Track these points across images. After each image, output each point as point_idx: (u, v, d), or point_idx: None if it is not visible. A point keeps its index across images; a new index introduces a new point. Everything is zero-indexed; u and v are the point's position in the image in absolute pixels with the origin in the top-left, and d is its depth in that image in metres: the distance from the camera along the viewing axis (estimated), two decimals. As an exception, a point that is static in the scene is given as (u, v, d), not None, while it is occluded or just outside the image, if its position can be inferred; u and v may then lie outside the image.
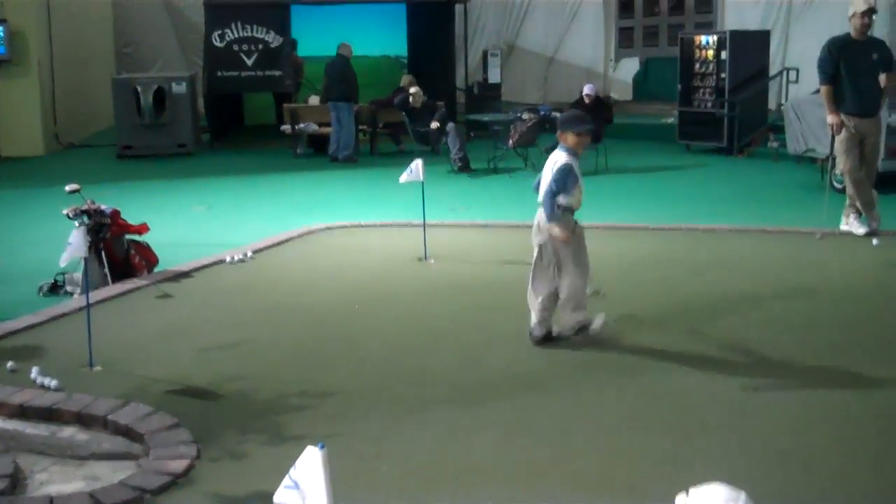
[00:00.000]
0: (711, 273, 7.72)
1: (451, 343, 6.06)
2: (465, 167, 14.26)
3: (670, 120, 17.85)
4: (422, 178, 8.05)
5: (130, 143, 16.23)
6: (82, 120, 18.24)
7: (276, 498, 2.67)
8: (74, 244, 5.56)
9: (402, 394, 5.20)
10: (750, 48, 16.28)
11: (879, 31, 11.73)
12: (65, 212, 7.36)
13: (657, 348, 5.90)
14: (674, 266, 7.98)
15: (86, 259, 5.87)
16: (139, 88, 16.17)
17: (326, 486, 2.63)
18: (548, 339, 5.99)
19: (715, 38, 16.32)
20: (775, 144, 15.21)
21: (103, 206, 7.52)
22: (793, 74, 16.78)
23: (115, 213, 7.62)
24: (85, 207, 7.37)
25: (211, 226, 10.58)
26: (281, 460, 3.30)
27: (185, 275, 7.75)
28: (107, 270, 7.41)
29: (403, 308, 6.88)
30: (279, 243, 8.95)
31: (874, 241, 8.61)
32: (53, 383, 5.18)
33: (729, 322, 6.35)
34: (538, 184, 6.04)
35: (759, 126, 16.26)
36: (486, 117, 16.30)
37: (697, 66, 16.39)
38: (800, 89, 15.87)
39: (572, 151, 5.94)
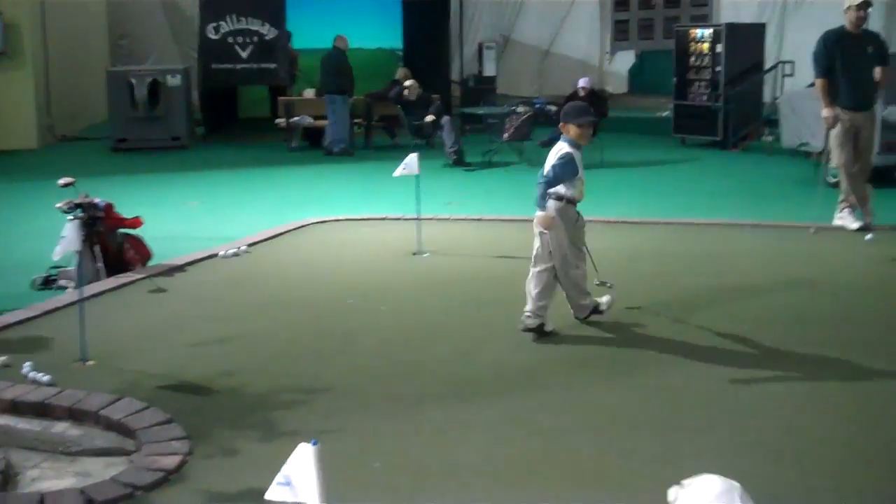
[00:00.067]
0: (705, 267, 7.72)
1: (444, 338, 6.05)
2: (459, 161, 14.24)
3: (665, 113, 17.86)
4: (417, 171, 8.04)
5: (125, 136, 16.20)
6: (76, 112, 18.20)
7: (268, 495, 2.67)
8: (68, 238, 5.54)
9: (395, 389, 5.19)
10: (745, 41, 16.28)
11: (874, 24, 11.74)
12: (58, 205, 7.34)
13: (650, 343, 5.90)
14: (668, 260, 7.98)
15: (79, 253, 5.85)
16: (133, 81, 16.14)
17: (319, 483, 2.63)
18: (539, 333, 5.99)
19: (710, 31, 16.31)
20: (770, 138, 15.21)
21: (97, 200, 7.49)
22: (788, 68, 16.78)
23: (109, 207, 7.60)
24: (78, 201, 7.34)
25: (205, 219, 10.57)
26: (274, 457, 3.28)
27: (178, 269, 7.73)
28: (101, 264, 7.40)
29: (397, 302, 6.87)
30: (273, 237, 8.94)
31: (868, 236, 8.61)
32: (46, 378, 5.16)
33: (722, 317, 6.35)
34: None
35: (754, 120, 16.27)
36: (480, 110, 16.29)
37: (693, 59, 16.39)
38: (795, 83, 15.87)
39: (574, 143, 6.00)
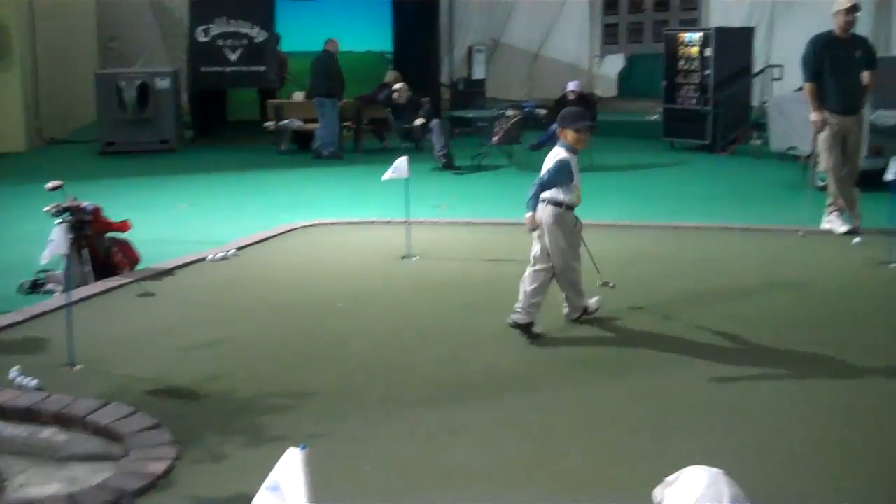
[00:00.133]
0: (694, 271, 7.73)
1: (434, 341, 6.04)
2: (449, 164, 14.23)
3: (655, 117, 17.88)
4: (406, 175, 8.04)
5: (113, 139, 16.14)
6: (65, 115, 18.13)
7: (256, 500, 2.65)
8: (55, 241, 5.51)
9: (384, 393, 5.18)
10: (734, 45, 16.31)
11: (863, 28, 11.77)
12: (46, 209, 7.31)
13: (641, 345, 5.92)
14: (657, 263, 7.99)
15: (67, 257, 5.82)
16: (122, 84, 16.08)
17: (308, 487, 2.61)
18: (526, 331, 6.00)
19: (699, 35, 16.34)
20: (758, 142, 15.24)
21: (85, 203, 7.46)
22: (777, 71, 16.82)
23: (97, 211, 7.57)
24: (66, 204, 7.31)
25: (194, 223, 10.54)
26: (262, 461, 3.27)
27: (167, 273, 7.71)
28: (88, 268, 7.36)
29: (386, 306, 6.86)
30: (262, 240, 8.92)
31: (856, 240, 8.64)
32: (33, 383, 5.14)
33: (712, 319, 6.35)
34: None
35: (742, 123, 16.30)
36: (470, 114, 16.29)
37: (682, 63, 16.41)
38: (783, 86, 15.90)
39: (571, 148, 6.06)
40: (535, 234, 6.10)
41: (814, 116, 8.92)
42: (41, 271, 7.42)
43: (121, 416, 4.68)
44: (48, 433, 4.67)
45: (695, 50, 16.22)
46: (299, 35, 18.85)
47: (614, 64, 22.80)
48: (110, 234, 7.75)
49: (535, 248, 6.13)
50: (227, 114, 20.27)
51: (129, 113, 16.03)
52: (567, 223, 6.08)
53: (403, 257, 8.15)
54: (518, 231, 9.05)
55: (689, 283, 7.35)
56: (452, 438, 4.58)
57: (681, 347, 5.86)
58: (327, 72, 15.68)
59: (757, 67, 17.20)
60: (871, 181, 9.52)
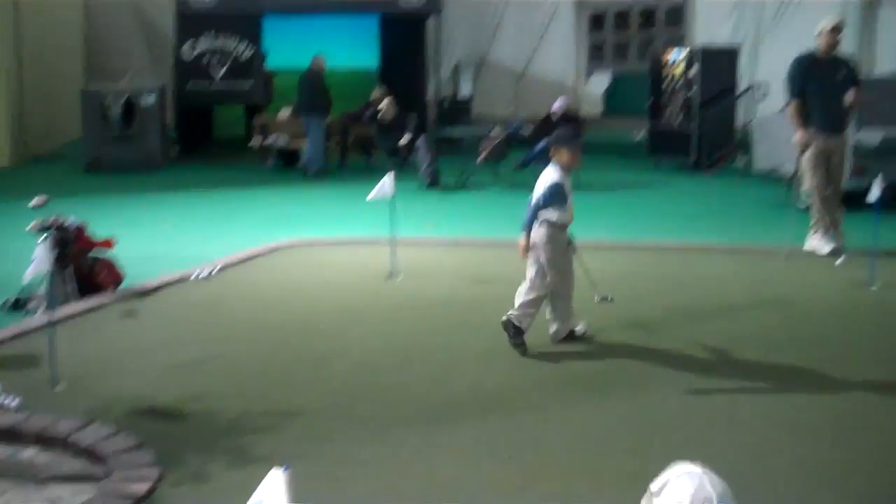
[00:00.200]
0: (678, 291, 7.75)
1: (418, 362, 6.03)
2: (435, 182, 14.24)
3: (640, 136, 17.93)
4: (391, 193, 8.03)
5: (98, 156, 16.07)
6: (50, 131, 18.06)
7: (237, 524, 2.64)
8: (39, 259, 5.50)
9: (368, 414, 5.17)
10: (719, 65, 16.38)
11: (847, 49, 11.85)
12: (30, 226, 7.28)
13: (624, 365, 5.93)
14: (640, 283, 8.00)
15: (50, 275, 5.80)
16: (108, 100, 16.04)
17: (290, 511, 2.60)
18: (515, 335, 6.08)
19: (684, 53, 16.42)
20: (743, 161, 15.30)
21: (69, 221, 7.44)
22: (761, 91, 16.91)
23: (81, 228, 7.54)
24: (50, 221, 7.28)
25: (178, 241, 10.49)
26: (245, 482, 3.26)
27: (150, 291, 7.68)
28: (72, 287, 7.33)
29: (370, 326, 6.85)
30: (246, 259, 8.89)
31: (839, 260, 8.67)
32: (15, 402, 5.11)
33: (695, 339, 6.37)
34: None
35: (727, 143, 16.37)
36: (456, 132, 16.31)
37: (667, 82, 16.48)
38: (768, 106, 15.98)
39: (564, 167, 6.12)
40: (529, 255, 6.13)
41: (798, 136, 8.97)
42: (24, 289, 7.38)
43: (103, 437, 4.65)
44: (29, 453, 4.64)
45: (680, 69, 16.28)
46: (287, 52, 18.86)
47: (600, 82, 22.90)
48: (94, 253, 7.72)
49: (531, 270, 6.19)
50: (213, 131, 20.26)
51: (114, 129, 15.98)
52: (559, 242, 6.13)
53: (388, 276, 8.13)
54: (504, 250, 9.08)
55: (674, 301, 7.37)
56: (436, 459, 4.57)
57: (665, 366, 5.87)
58: (313, 89, 15.70)
59: (741, 87, 17.29)
60: (854, 201, 9.58)
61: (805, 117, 8.95)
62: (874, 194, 7.71)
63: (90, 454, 4.55)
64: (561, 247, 6.15)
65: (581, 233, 6.44)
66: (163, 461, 4.43)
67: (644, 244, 9.56)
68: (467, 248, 9.54)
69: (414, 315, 7.11)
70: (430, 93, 19.74)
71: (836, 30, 8.92)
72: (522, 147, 15.03)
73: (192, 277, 8.06)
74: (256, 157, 16.63)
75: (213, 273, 8.19)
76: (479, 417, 5.09)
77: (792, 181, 10.47)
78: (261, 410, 5.15)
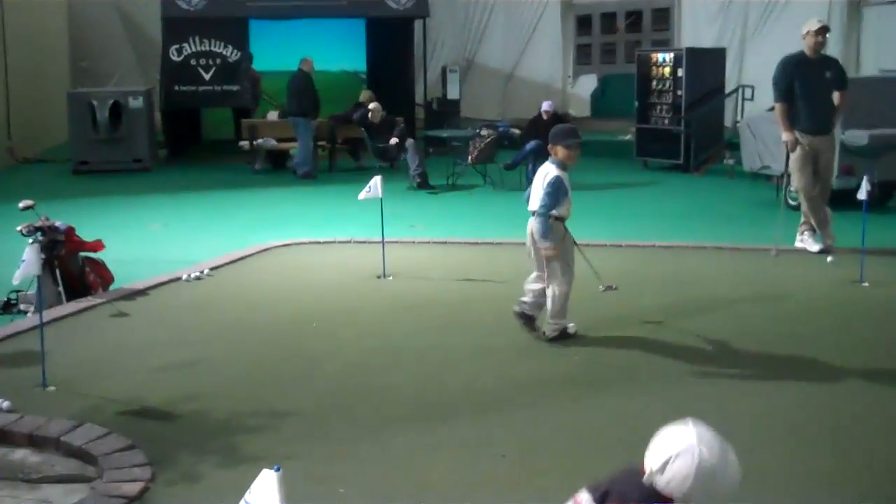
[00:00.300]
0: (668, 290, 7.76)
1: (409, 362, 6.03)
2: (423, 184, 14.24)
3: (628, 137, 17.97)
4: (380, 194, 8.04)
5: (86, 159, 16.03)
6: (37, 134, 18.01)
7: (231, 522, 2.63)
8: (28, 262, 5.48)
9: (360, 413, 5.17)
10: (706, 66, 16.44)
11: (833, 49, 11.91)
12: (18, 228, 7.26)
13: (614, 364, 5.93)
14: (630, 283, 7.98)
15: (39, 277, 5.78)
16: (95, 103, 15.99)
17: (283, 509, 2.60)
18: (528, 323, 6.30)
19: (671, 55, 16.46)
20: (731, 162, 15.35)
21: (57, 223, 7.42)
22: (748, 92, 16.97)
23: (70, 230, 7.52)
24: (38, 224, 7.27)
25: (168, 243, 10.48)
26: (236, 483, 3.25)
27: (140, 293, 7.66)
28: (61, 288, 7.31)
29: (361, 326, 6.84)
30: (236, 260, 8.88)
31: (828, 259, 8.71)
32: (6, 404, 5.09)
33: (684, 339, 6.38)
34: (529, 196, 6.36)
35: (715, 143, 16.42)
36: (444, 133, 16.32)
37: (654, 83, 16.52)
38: (755, 107, 16.04)
39: (562, 164, 6.15)
40: (530, 246, 6.27)
41: (785, 137, 8.99)
42: (13, 291, 7.36)
43: (94, 438, 4.65)
44: (21, 455, 4.63)
45: (667, 70, 16.33)
46: (274, 54, 18.82)
47: (587, 84, 22.95)
48: (83, 254, 7.70)
49: (531, 256, 6.34)
50: (201, 133, 20.23)
51: (102, 132, 15.93)
52: (557, 233, 6.20)
53: (378, 277, 8.13)
54: (493, 250, 9.11)
55: (666, 300, 7.38)
56: (427, 459, 4.57)
57: (656, 364, 5.89)
58: (301, 91, 15.69)
59: (729, 88, 17.35)
60: (842, 200, 9.62)
61: (792, 118, 8.97)
62: (863, 192, 7.75)
63: (82, 455, 4.54)
64: (558, 237, 6.18)
65: (573, 233, 6.46)
66: (154, 461, 4.43)
67: (635, 244, 9.57)
68: (457, 248, 9.53)
69: (405, 315, 7.11)
70: (419, 95, 19.75)
71: (823, 30, 8.94)
72: (511, 148, 15.07)
73: (183, 279, 8.04)
74: (245, 159, 16.61)
75: (202, 275, 8.17)
76: (472, 416, 5.10)
77: (780, 181, 10.51)
78: (252, 411, 5.14)
